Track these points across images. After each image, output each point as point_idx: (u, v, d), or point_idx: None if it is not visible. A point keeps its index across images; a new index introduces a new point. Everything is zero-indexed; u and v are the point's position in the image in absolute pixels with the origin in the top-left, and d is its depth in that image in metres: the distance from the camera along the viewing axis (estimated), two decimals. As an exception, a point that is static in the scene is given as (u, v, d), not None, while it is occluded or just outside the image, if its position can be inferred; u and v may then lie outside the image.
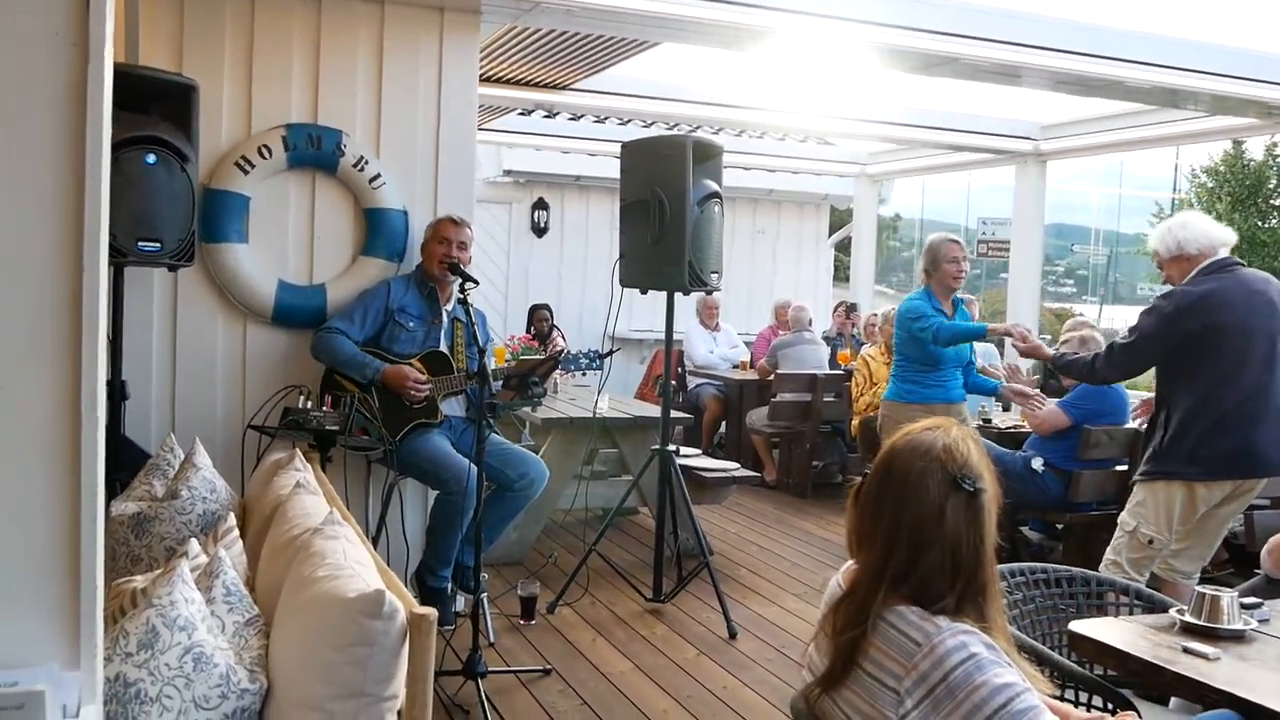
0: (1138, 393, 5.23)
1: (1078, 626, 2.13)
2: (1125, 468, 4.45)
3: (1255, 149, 18.59)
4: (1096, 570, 2.99)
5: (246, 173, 3.59)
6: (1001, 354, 7.31)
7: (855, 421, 6.13)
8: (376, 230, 3.79)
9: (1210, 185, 19.08)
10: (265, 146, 3.61)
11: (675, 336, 4.27)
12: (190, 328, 3.63)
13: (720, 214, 4.00)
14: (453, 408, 3.72)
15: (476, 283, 3.40)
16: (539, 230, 9.34)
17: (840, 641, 1.52)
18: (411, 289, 3.67)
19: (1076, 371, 3.76)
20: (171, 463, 2.79)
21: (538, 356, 4.51)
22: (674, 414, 4.52)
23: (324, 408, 3.31)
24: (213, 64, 3.56)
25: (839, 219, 10.92)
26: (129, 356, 3.34)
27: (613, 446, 5.29)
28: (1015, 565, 2.49)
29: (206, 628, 1.68)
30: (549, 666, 3.48)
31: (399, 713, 1.66)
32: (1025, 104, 6.87)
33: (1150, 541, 3.37)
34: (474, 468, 3.22)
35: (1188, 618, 2.12)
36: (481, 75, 4.38)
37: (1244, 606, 2.17)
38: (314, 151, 3.67)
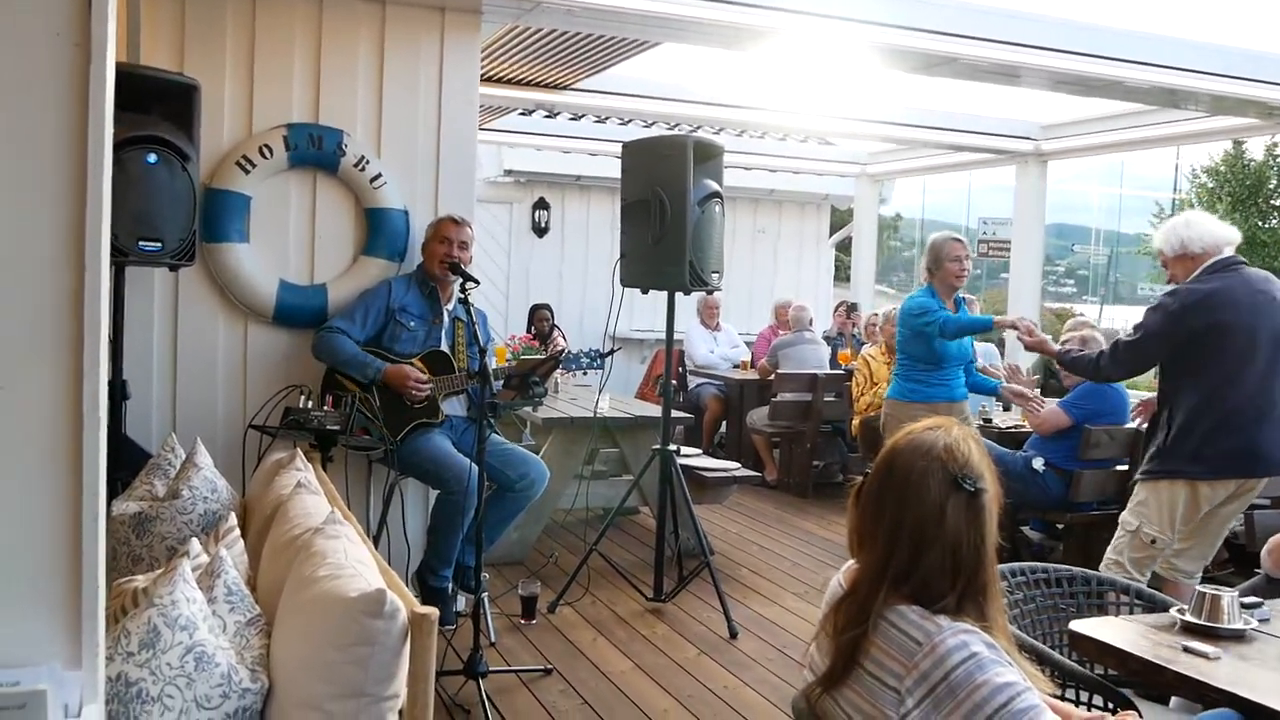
0: (1138, 393, 5.23)
1: (1078, 626, 2.13)
2: (1126, 467, 4.45)
3: (1255, 149, 18.60)
4: (1097, 570, 2.99)
5: (248, 172, 3.60)
6: (1002, 354, 7.32)
7: (856, 421, 6.13)
8: (377, 230, 3.79)
9: (1210, 185, 19.09)
10: (266, 146, 3.61)
11: (676, 336, 4.27)
12: (191, 327, 3.63)
13: (721, 214, 4.00)
14: (454, 407, 3.72)
15: (477, 282, 3.40)
16: (540, 230, 9.35)
17: (841, 641, 1.52)
18: (412, 289, 3.67)
19: (1081, 368, 3.75)
20: (173, 462, 2.80)
21: (539, 356, 4.51)
22: (675, 414, 4.52)
23: (325, 407, 3.31)
24: (214, 63, 3.56)
25: (840, 219, 10.92)
26: (130, 356, 3.34)
27: (613, 446, 5.29)
28: (1016, 565, 2.49)
29: (208, 627, 1.69)
30: (550, 666, 3.48)
31: (400, 712, 1.66)
32: (1026, 104, 6.88)
33: (1153, 541, 3.37)
34: (475, 467, 3.22)
35: (1188, 617, 2.13)
36: (482, 75, 4.38)
37: (1244, 606, 2.17)
38: (315, 151, 3.68)
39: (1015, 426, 5.16)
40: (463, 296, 3.39)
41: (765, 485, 6.63)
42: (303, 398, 3.31)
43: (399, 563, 3.62)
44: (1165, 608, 2.33)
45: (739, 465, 5.69)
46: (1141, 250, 22.93)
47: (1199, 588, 2.18)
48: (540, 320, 7.60)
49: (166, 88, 3.22)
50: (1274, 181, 18.94)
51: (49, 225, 1.18)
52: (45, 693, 1.14)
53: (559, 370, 3.99)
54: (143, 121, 3.07)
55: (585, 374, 4.20)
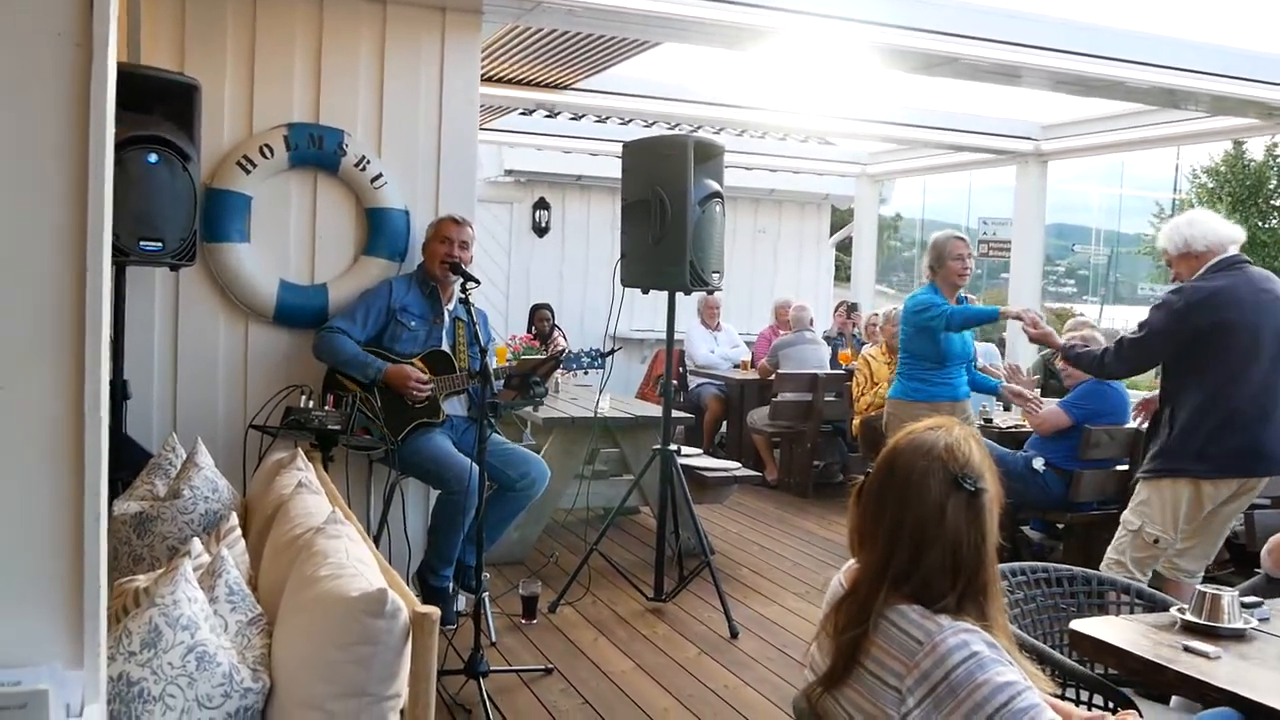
0: (1138, 392, 5.23)
1: (1079, 625, 2.13)
2: (1126, 467, 4.45)
3: (1256, 149, 18.61)
4: (1097, 569, 2.99)
5: (248, 172, 3.60)
6: (1002, 354, 7.32)
7: (856, 421, 6.13)
8: (378, 230, 3.79)
9: (1211, 185, 19.10)
10: (267, 146, 3.61)
11: (676, 336, 4.27)
12: (192, 327, 3.63)
13: (721, 214, 4.00)
14: (454, 407, 3.72)
15: (478, 282, 3.40)
16: (540, 230, 9.35)
17: (842, 640, 1.52)
18: (413, 288, 3.67)
19: (1085, 364, 3.75)
20: (173, 462, 2.80)
21: (539, 356, 4.51)
22: (675, 414, 4.52)
23: (326, 407, 3.31)
24: (214, 63, 3.56)
25: (840, 219, 10.93)
26: (131, 356, 3.34)
27: (614, 446, 5.29)
28: (1016, 564, 2.49)
29: (209, 627, 1.69)
30: (550, 666, 3.48)
31: (401, 712, 1.66)
32: (1026, 104, 6.88)
33: (1156, 541, 3.37)
34: (475, 467, 3.22)
35: (1188, 617, 2.13)
36: (483, 75, 4.38)
37: (1244, 605, 2.17)
38: (316, 151, 3.68)
39: (1015, 426, 5.16)
40: (463, 296, 3.39)
41: (766, 485, 6.64)
42: (303, 397, 3.31)
43: (400, 562, 3.62)
44: (1165, 607, 2.33)
45: (739, 465, 5.69)
46: (1141, 250, 22.94)
47: (1199, 587, 2.18)
48: (540, 320, 7.60)
49: (167, 87, 3.22)
50: (1274, 182, 18.95)
51: (50, 225, 1.18)
52: (47, 692, 1.15)
53: (559, 370, 3.99)
54: (143, 121, 3.07)
55: (586, 374, 4.20)
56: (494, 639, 3.67)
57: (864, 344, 7.27)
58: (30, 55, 1.16)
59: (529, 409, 4.87)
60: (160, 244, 3.11)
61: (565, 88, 5.94)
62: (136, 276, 3.40)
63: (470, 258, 3.65)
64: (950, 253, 4.29)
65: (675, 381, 5.93)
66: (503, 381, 3.67)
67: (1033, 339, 4.06)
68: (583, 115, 7.75)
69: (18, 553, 1.19)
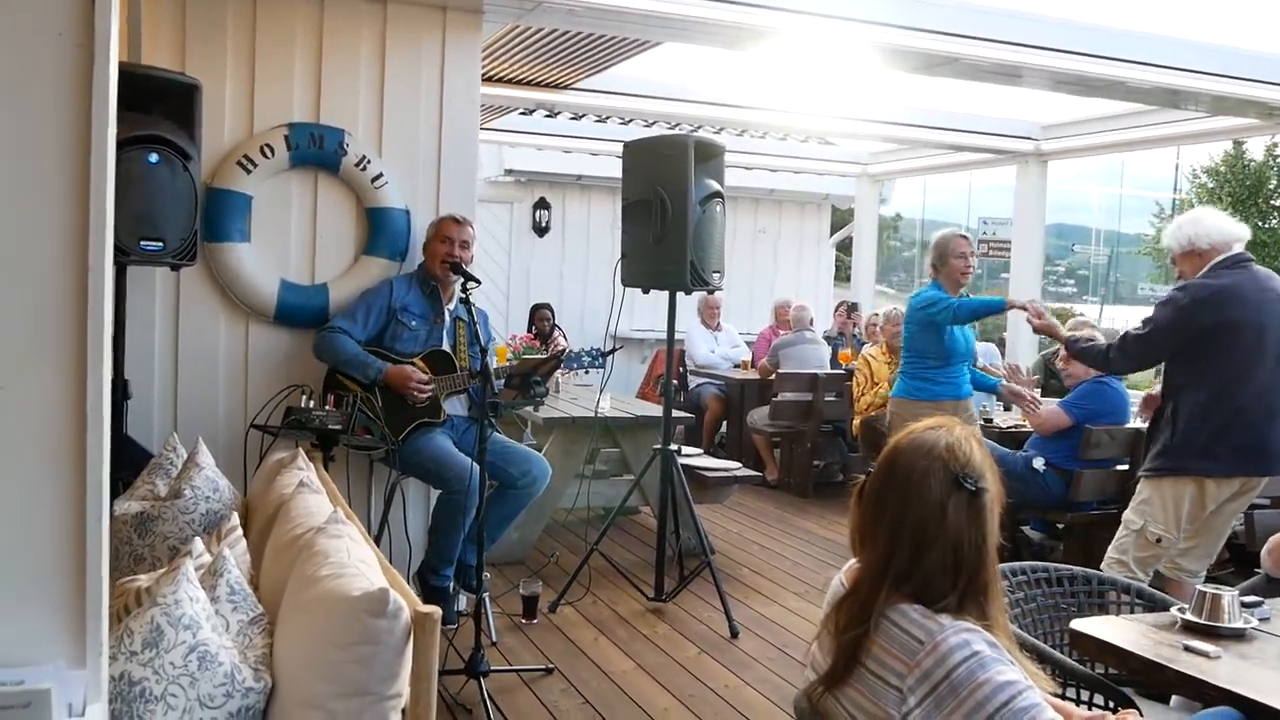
0: (1137, 392, 5.23)
1: (1079, 625, 2.13)
2: (1126, 467, 4.45)
3: (1255, 149, 18.63)
4: (1097, 569, 3.00)
5: (249, 172, 3.60)
6: (1002, 354, 7.33)
7: (856, 421, 6.13)
8: (379, 229, 3.79)
9: (1211, 185, 19.12)
10: (268, 145, 3.61)
11: (676, 336, 4.27)
12: (192, 327, 3.63)
13: (722, 213, 4.00)
14: (455, 407, 3.72)
15: (479, 282, 3.40)
16: (540, 230, 9.35)
17: (843, 640, 1.52)
18: (414, 288, 3.68)
19: (1089, 359, 3.74)
20: (174, 462, 2.80)
21: (540, 356, 4.51)
22: (675, 413, 4.52)
23: (326, 407, 3.31)
24: (215, 63, 3.56)
25: (840, 219, 10.93)
26: (131, 356, 3.34)
27: (614, 446, 5.29)
28: (1017, 564, 2.50)
29: (211, 626, 1.69)
30: (551, 665, 3.48)
31: (403, 711, 1.66)
32: (1026, 104, 6.88)
33: (1159, 540, 3.37)
34: (476, 467, 3.23)
35: (1189, 616, 2.13)
36: (483, 75, 4.39)
37: (1245, 605, 2.17)
38: (316, 151, 3.68)
39: (1016, 426, 5.16)
40: (464, 296, 3.39)
41: (766, 485, 6.64)
42: (304, 397, 3.31)
43: (400, 562, 3.62)
44: (1166, 607, 2.33)
45: (740, 465, 5.69)
46: (1141, 250, 22.96)
47: (1199, 587, 2.19)
48: (541, 320, 7.60)
49: (168, 87, 3.22)
50: (1274, 182, 18.96)
51: (52, 225, 1.19)
52: (49, 692, 1.15)
53: (560, 370, 3.99)
54: (144, 121, 3.07)
55: (587, 373, 4.21)
56: (494, 639, 3.67)
57: (864, 344, 7.27)
58: (32, 55, 1.17)
59: (529, 408, 4.87)
60: (161, 244, 3.11)
61: (565, 88, 5.94)
62: (137, 276, 3.40)
63: (471, 257, 3.65)
64: (954, 251, 4.29)
65: (675, 381, 5.92)
66: (503, 381, 3.67)
67: (1036, 329, 4.06)
68: (583, 115, 7.75)
69: (20, 552, 1.19)
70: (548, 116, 7.56)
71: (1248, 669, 1.94)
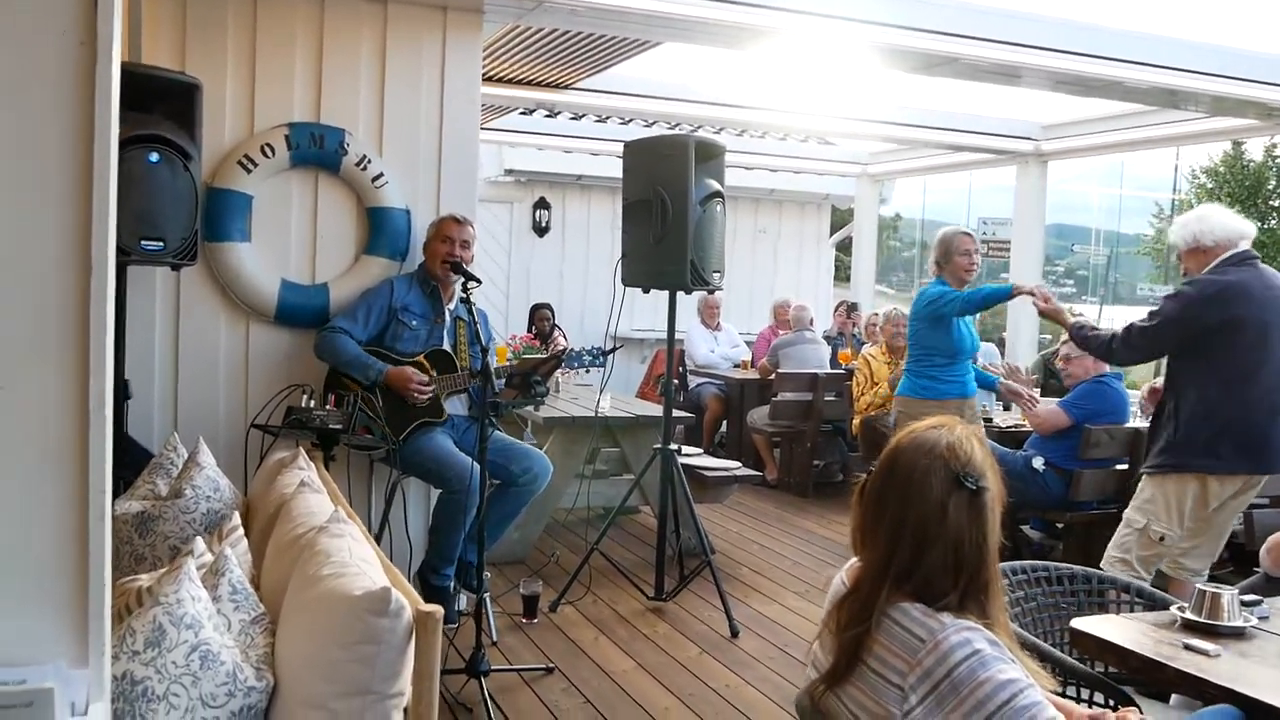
0: (1136, 392, 5.24)
1: (1079, 624, 2.14)
2: (1125, 467, 4.46)
3: (1255, 150, 18.64)
4: (1097, 568, 3.00)
5: (249, 171, 3.60)
6: (1002, 354, 7.34)
7: (856, 421, 6.13)
8: (379, 229, 3.79)
9: (1210, 186, 19.13)
10: (268, 145, 3.62)
11: (676, 336, 4.27)
12: (193, 327, 3.64)
13: (722, 213, 4.00)
14: (455, 407, 3.73)
15: (479, 281, 3.41)
16: (540, 230, 9.35)
17: (845, 638, 1.52)
18: (414, 288, 3.68)
19: (1092, 346, 3.73)
20: (175, 461, 2.80)
21: (540, 355, 4.52)
22: (675, 413, 4.52)
23: (327, 406, 3.31)
24: (216, 63, 3.56)
25: (840, 219, 10.93)
26: (132, 355, 3.34)
27: (614, 445, 5.29)
28: (1017, 563, 2.50)
29: (213, 626, 1.69)
30: (551, 665, 3.49)
31: (405, 710, 1.66)
32: (1026, 104, 6.89)
33: (1162, 538, 3.37)
34: (477, 466, 3.23)
35: (1188, 615, 2.13)
36: (484, 75, 4.39)
37: (1244, 604, 2.18)
38: (317, 150, 3.68)
39: (1016, 426, 5.17)
40: (465, 296, 3.39)
41: (766, 485, 6.64)
42: (305, 397, 3.31)
43: (401, 561, 3.62)
44: (1166, 606, 2.34)
45: (740, 464, 5.69)
46: (1141, 251, 22.95)
47: (1199, 585, 2.19)
48: (541, 320, 7.61)
49: (168, 87, 3.22)
50: (1273, 182, 18.97)
51: (55, 224, 1.19)
52: (52, 691, 1.15)
53: (560, 369, 3.99)
54: (144, 120, 3.07)
55: (587, 372, 4.21)
56: (495, 638, 3.67)
57: (864, 344, 7.28)
58: (34, 54, 1.16)
59: (530, 408, 4.87)
60: (161, 243, 3.11)
61: (566, 87, 5.94)
62: (137, 276, 3.40)
63: (471, 257, 3.66)
64: (957, 248, 4.29)
65: (675, 381, 5.93)
66: (504, 381, 3.67)
67: (1042, 313, 4.03)
68: (583, 115, 7.76)
69: (23, 552, 1.19)
70: (548, 116, 7.57)
71: (1247, 667, 1.95)
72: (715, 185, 3.95)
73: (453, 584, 3.67)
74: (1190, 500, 3.34)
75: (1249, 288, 3.28)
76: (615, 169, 4.24)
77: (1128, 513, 3.50)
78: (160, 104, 3.16)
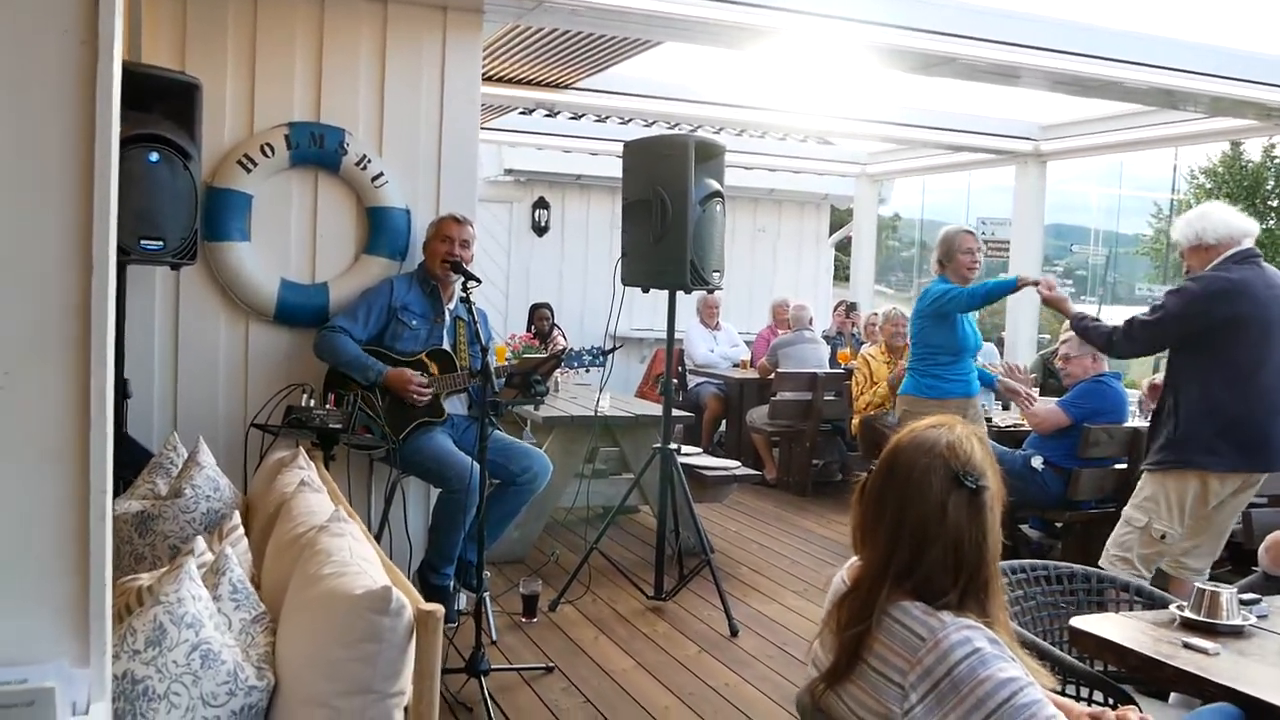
0: (1135, 391, 5.24)
1: (1079, 622, 2.14)
2: (1124, 466, 4.46)
3: (1253, 150, 18.66)
4: (1096, 566, 3.00)
5: (249, 171, 3.60)
6: (1001, 353, 7.35)
7: (855, 420, 6.14)
8: (379, 229, 3.79)
9: (1208, 186, 19.15)
10: (268, 145, 3.62)
11: (676, 335, 4.27)
12: (193, 326, 3.64)
13: (722, 213, 4.00)
14: (455, 406, 3.73)
15: (479, 281, 3.41)
16: (540, 229, 9.35)
17: (845, 637, 1.53)
18: (414, 287, 3.68)
19: (1094, 338, 3.72)
20: (175, 461, 2.80)
21: (540, 355, 4.52)
22: (675, 412, 4.53)
23: (327, 406, 3.31)
24: (215, 62, 3.56)
25: (839, 219, 10.94)
26: (131, 355, 3.34)
27: (614, 445, 5.29)
28: (1016, 562, 2.50)
29: (214, 625, 1.69)
30: (551, 664, 3.49)
31: (405, 709, 1.66)
32: (1025, 104, 6.89)
33: (1163, 537, 3.38)
34: (476, 465, 3.23)
35: (1187, 614, 2.14)
36: (483, 74, 4.39)
37: (1243, 603, 2.18)
38: (316, 150, 3.68)
39: (1015, 425, 5.17)
40: (464, 295, 3.39)
41: (765, 484, 6.64)
42: (305, 396, 3.31)
43: (401, 561, 3.62)
44: (1165, 604, 2.34)
45: (739, 464, 5.70)
46: (1140, 251, 22.97)
47: (1198, 584, 2.20)
48: (540, 319, 7.61)
49: (168, 86, 3.22)
50: (1271, 182, 18.99)
51: (56, 223, 1.18)
52: (53, 690, 1.15)
53: (560, 369, 3.99)
54: (144, 120, 3.07)
55: (587, 371, 4.21)
56: (495, 637, 3.68)
57: (863, 343, 7.28)
58: (35, 52, 1.16)
59: (529, 407, 4.87)
60: (161, 243, 3.11)
61: (566, 87, 5.94)
62: (137, 275, 3.40)
63: (471, 257, 3.66)
64: (960, 246, 4.29)
65: (675, 380, 5.93)
66: (504, 380, 3.67)
67: (1045, 300, 4.00)
68: (583, 115, 7.76)
69: (23, 551, 1.19)
70: (547, 116, 7.57)
71: (1246, 666, 1.95)
72: (715, 185, 3.95)
73: (453, 583, 3.67)
74: (1190, 498, 3.34)
75: (1251, 285, 3.29)
76: (615, 169, 4.24)
77: (1127, 511, 3.51)
78: (160, 103, 3.16)
